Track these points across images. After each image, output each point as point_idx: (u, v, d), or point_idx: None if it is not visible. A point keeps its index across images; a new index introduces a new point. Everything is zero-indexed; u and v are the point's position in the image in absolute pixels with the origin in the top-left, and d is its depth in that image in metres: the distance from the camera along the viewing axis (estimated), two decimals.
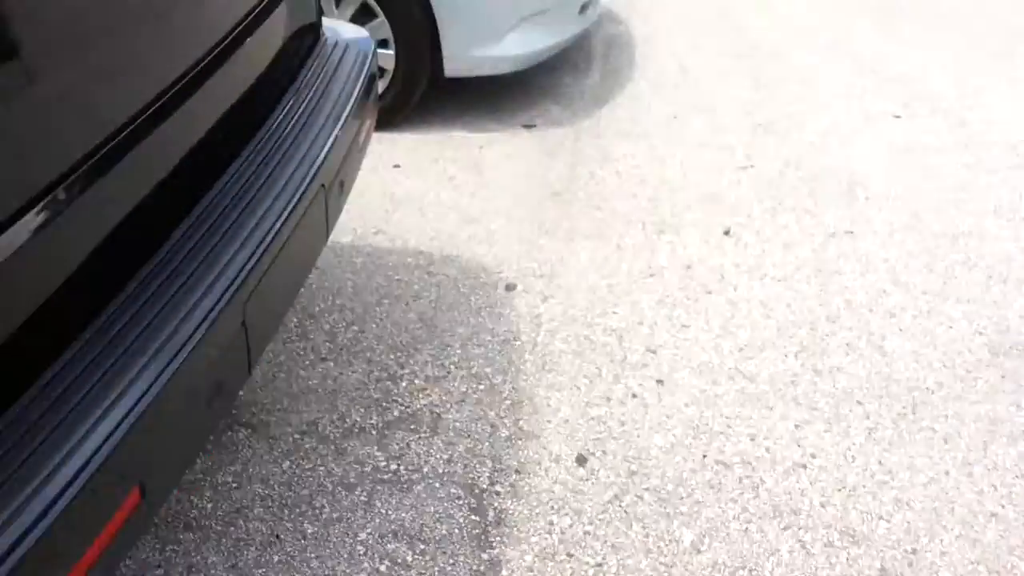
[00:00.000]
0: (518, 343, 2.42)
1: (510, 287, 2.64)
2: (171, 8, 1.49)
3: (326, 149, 1.67)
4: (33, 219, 1.08)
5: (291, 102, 1.80)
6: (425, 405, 2.20)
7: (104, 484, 1.03)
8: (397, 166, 3.29)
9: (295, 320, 2.48)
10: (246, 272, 1.32)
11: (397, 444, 2.09)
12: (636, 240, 2.86)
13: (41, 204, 1.10)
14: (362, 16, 3.28)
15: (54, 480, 0.98)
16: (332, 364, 2.33)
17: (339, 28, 2.19)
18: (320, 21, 2.13)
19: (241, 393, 2.21)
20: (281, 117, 1.74)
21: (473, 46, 3.33)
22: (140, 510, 1.10)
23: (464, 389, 2.25)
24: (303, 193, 1.53)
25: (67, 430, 1.02)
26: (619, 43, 4.40)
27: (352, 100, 1.85)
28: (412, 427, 2.14)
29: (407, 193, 3.12)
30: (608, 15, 4.61)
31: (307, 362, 2.34)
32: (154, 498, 1.14)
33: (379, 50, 3.28)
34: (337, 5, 3.27)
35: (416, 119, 3.59)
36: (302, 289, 2.57)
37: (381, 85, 3.38)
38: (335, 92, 1.86)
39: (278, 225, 1.44)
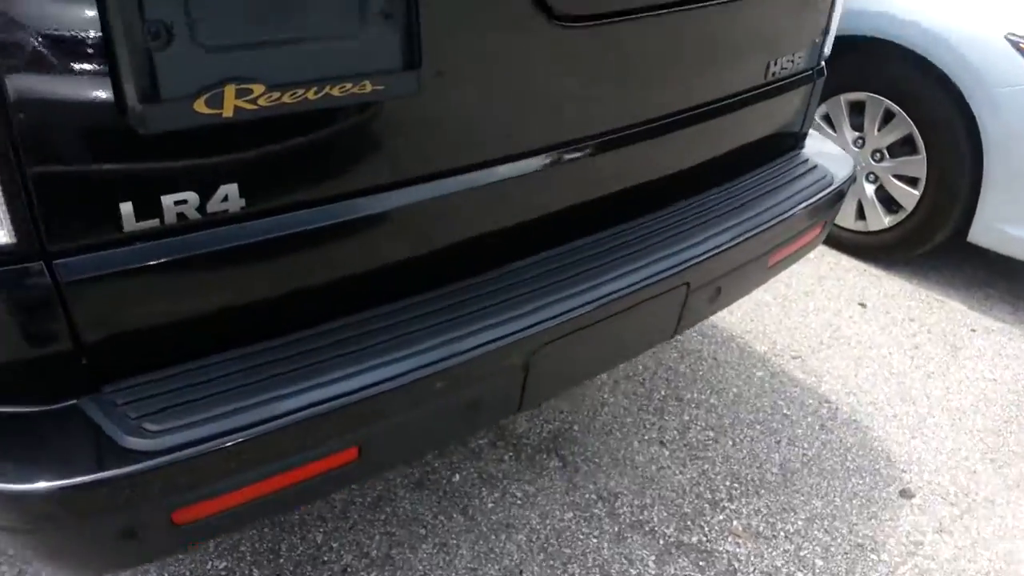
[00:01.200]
0: (873, 557, 1.99)
1: (905, 494, 2.18)
2: (686, 58, 1.50)
3: (709, 253, 1.53)
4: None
5: (719, 194, 1.70)
6: (728, 551, 1.93)
7: (333, 426, 1.07)
8: (862, 305, 2.94)
9: (661, 394, 2.38)
10: (545, 325, 1.28)
11: (675, 568, 1.87)
12: None
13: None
14: (902, 146, 2.97)
15: (302, 396, 1.04)
16: (667, 454, 2.18)
17: (824, 147, 2.02)
18: (803, 132, 1.98)
19: (576, 430, 2.20)
20: (698, 202, 1.66)
21: (1015, 222, 2.80)
22: (351, 467, 1.13)
23: (779, 564, 1.93)
24: (651, 284, 1.43)
25: (333, 366, 1.08)
26: None
27: (774, 220, 1.67)
28: (700, 563, 1.89)
29: (854, 336, 2.77)
30: None
31: (646, 437, 2.22)
32: (367, 465, 1.16)
33: (905, 187, 2.96)
34: (881, 127, 3.01)
35: (914, 267, 3.17)
36: (686, 370, 2.45)
37: (890, 220, 3.05)
38: (765, 205, 1.70)
39: (601, 300, 1.36)
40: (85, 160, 0.89)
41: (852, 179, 1.97)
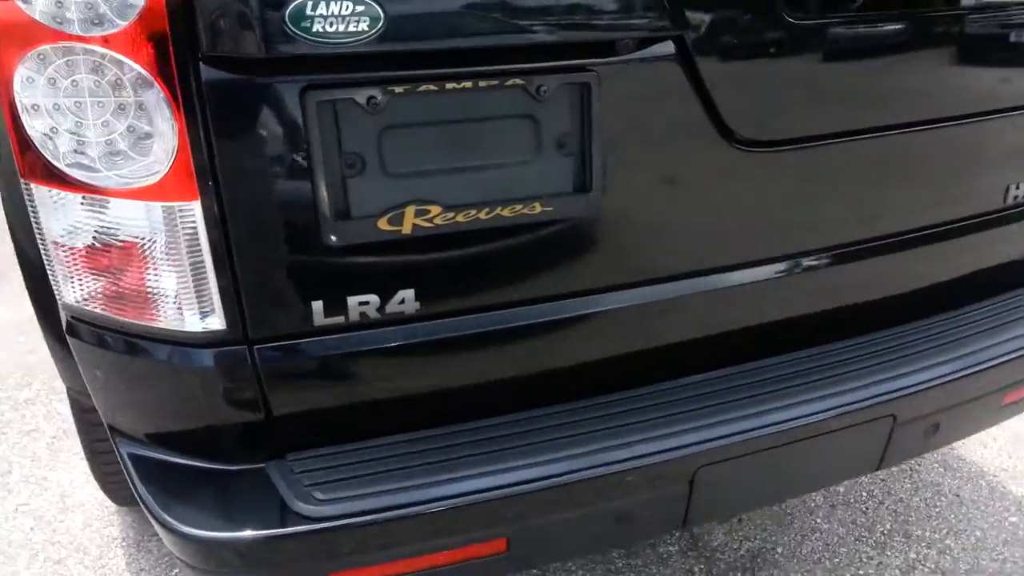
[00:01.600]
0: None
1: None
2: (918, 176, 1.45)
3: (921, 386, 1.40)
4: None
5: (945, 323, 1.56)
6: None
7: (482, 517, 1.14)
8: None
9: (885, 527, 2.16)
10: (711, 444, 1.25)
11: None
12: None
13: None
14: None
15: (454, 485, 1.13)
16: None
17: None
18: None
19: (779, 552, 2.07)
20: (917, 329, 1.53)
21: None
22: (498, 559, 1.19)
23: None
24: (841, 414, 1.34)
25: (487, 459, 1.16)
26: None
27: (1009, 355, 1.49)
28: None
29: None
30: None
31: (861, 572, 2.03)
32: (516, 559, 1.21)
33: None
34: None
35: None
36: (920, 504, 2.22)
37: None
38: (999, 338, 1.52)
39: (776, 425, 1.29)
40: (285, 264, 1.07)
41: None
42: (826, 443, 1.36)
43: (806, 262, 1.42)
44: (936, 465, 2.39)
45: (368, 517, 1.10)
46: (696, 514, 1.35)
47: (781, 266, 1.41)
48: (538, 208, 1.14)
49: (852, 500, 2.25)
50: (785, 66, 1.28)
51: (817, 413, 1.35)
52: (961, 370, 1.47)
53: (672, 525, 1.37)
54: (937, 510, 2.23)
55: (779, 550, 2.08)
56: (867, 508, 2.22)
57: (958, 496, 2.28)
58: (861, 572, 2.03)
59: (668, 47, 1.16)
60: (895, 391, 1.40)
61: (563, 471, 1.19)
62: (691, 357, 1.39)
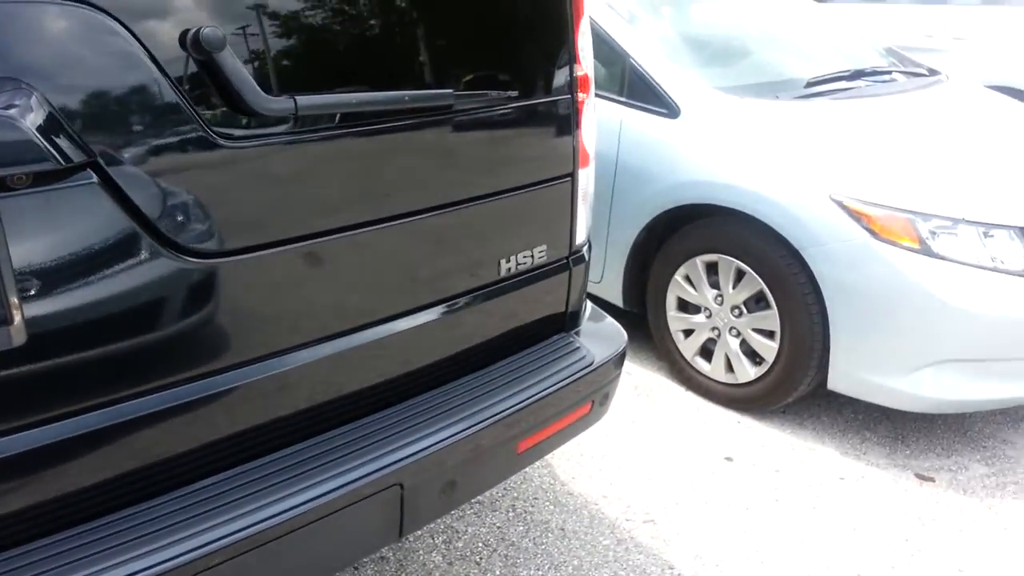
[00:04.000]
0: None
1: None
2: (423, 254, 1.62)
3: (422, 452, 1.56)
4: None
5: (459, 387, 1.75)
6: None
7: None
8: (728, 459, 2.95)
9: (496, 572, 2.38)
10: (200, 553, 1.30)
11: None
12: None
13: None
14: (757, 302, 3.07)
15: None
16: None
17: (598, 326, 2.09)
18: (571, 313, 2.04)
19: None
20: (432, 398, 1.70)
21: (868, 369, 2.83)
22: None
23: None
24: (344, 489, 1.45)
25: None
26: None
27: (510, 409, 1.72)
28: None
29: (714, 492, 2.76)
30: None
31: None
32: None
33: (764, 340, 3.03)
34: (735, 285, 3.12)
35: (791, 415, 3.19)
36: (529, 544, 2.44)
37: (756, 372, 3.10)
38: (503, 395, 1.74)
39: (274, 516, 1.37)
40: None
41: (621, 356, 2.04)
42: (320, 528, 1.43)
43: (306, 355, 1.52)
44: (547, 503, 2.67)
45: None
46: None
47: (273, 362, 1.48)
48: None
49: (468, 553, 2.45)
50: (218, 181, 1.35)
51: (326, 493, 1.43)
52: (463, 430, 1.64)
53: None
54: (543, 547, 2.49)
55: None
56: (480, 559, 2.43)
57: (563, 529, 2.56)
58: None
59: (84, 175, 1.19)
60: (395, 462, 1.52)
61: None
62: (179, 465, 1.41)
